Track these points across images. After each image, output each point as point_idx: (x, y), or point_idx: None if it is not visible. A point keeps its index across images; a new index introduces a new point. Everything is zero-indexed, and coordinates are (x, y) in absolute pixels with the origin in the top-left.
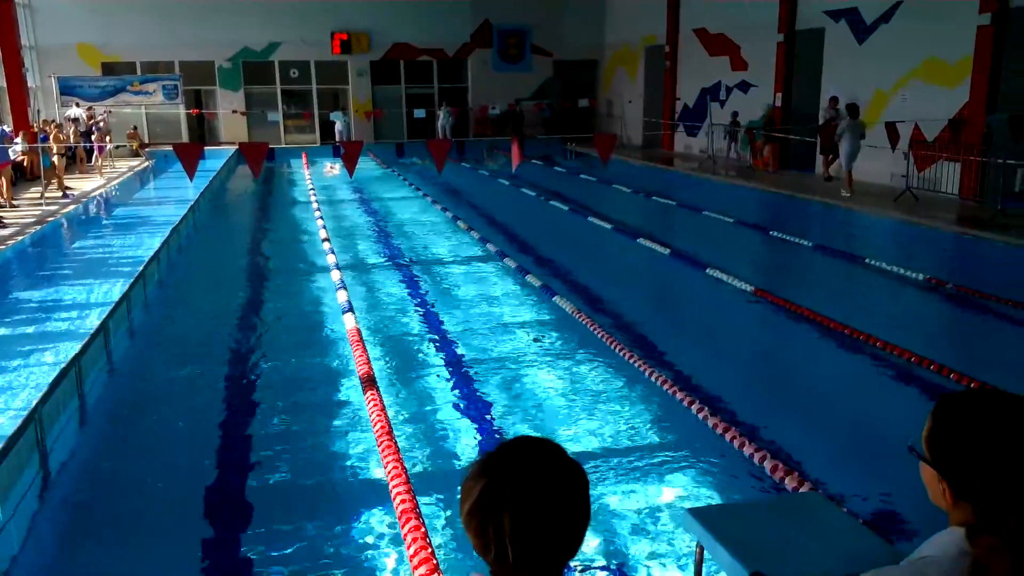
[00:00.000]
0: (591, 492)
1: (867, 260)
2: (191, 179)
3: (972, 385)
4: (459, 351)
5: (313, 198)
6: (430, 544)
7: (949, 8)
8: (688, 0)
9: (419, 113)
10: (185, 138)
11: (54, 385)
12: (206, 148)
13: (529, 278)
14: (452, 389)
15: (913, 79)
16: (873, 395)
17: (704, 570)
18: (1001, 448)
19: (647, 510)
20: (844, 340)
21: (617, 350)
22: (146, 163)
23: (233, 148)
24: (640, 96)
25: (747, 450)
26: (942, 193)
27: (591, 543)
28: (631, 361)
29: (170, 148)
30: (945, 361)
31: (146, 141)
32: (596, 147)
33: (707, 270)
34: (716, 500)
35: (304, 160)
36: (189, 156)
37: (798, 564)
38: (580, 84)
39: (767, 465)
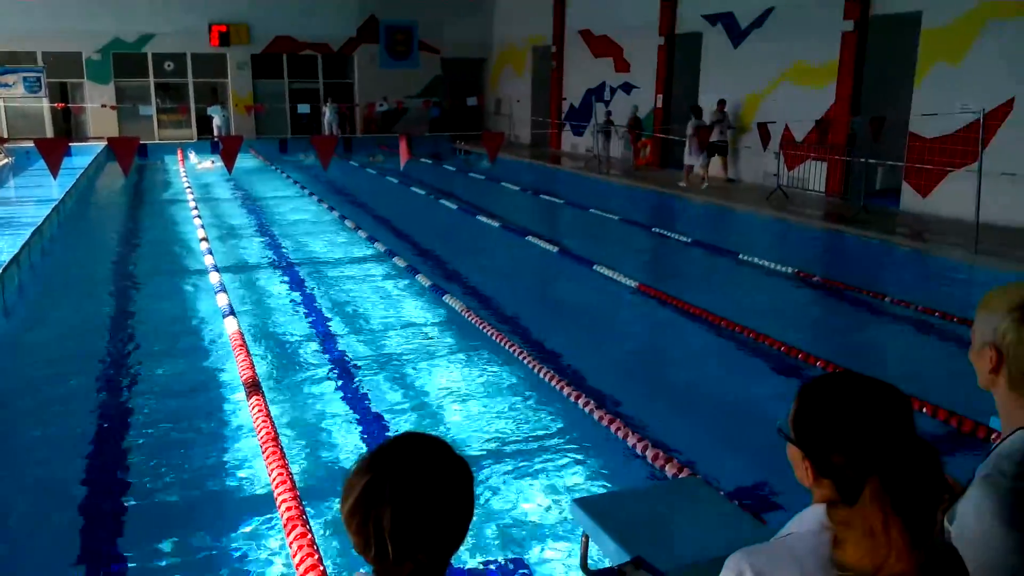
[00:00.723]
0: (480, 486)
1: (740, 255)
2: (55, 177)
3: (836, 370)
4: (347, 352)
5: (190, 196)
6: (317, 550)
7: (816, 15)
8: (573, 1)
9: (303, 108)
10: (49, 133)
11: None
12: (72, 144)
13: (419, 277)
14: (340, 391)
15: (784, 82)
16: (746, 382)
17: (591, 558)
18: (854, 425)
19: (536, 502)
20: (719, 331)
21: (506, 346)
22: (5, 160)
23: (102, 144)
24: (528, 95)
25: (630, 440)
26: (810, 191)
27: (482, 537)
28: (519, 357)
29: (32, 144)
30: (811, 349)
31: (5, 136)
32: (484, 145)
33: (594, 266)
34: (602, 489)
35: (179, 156)
36: (53, 152)
37: (677, 547)
38: (468, 82)
39: (648, 453)
